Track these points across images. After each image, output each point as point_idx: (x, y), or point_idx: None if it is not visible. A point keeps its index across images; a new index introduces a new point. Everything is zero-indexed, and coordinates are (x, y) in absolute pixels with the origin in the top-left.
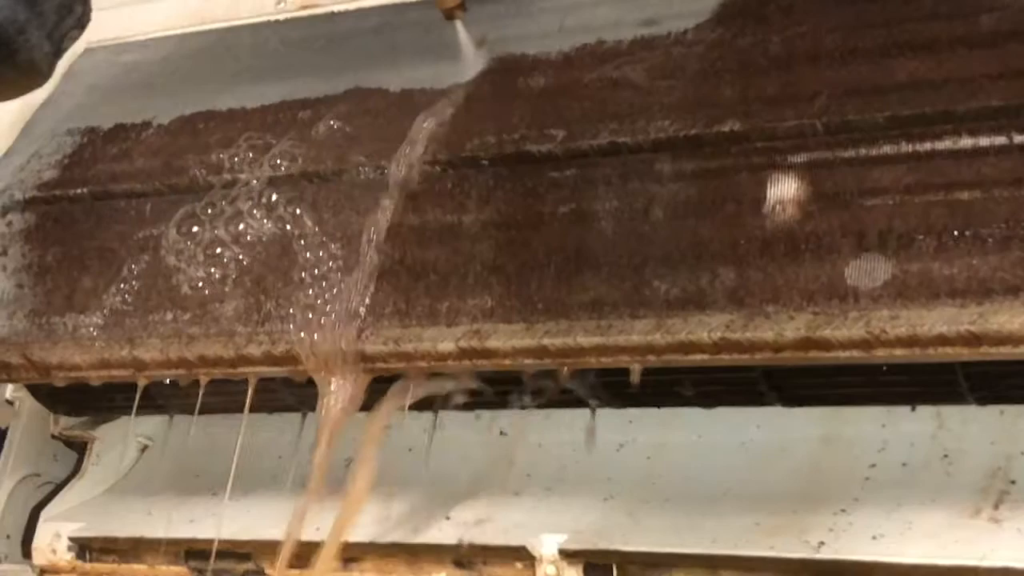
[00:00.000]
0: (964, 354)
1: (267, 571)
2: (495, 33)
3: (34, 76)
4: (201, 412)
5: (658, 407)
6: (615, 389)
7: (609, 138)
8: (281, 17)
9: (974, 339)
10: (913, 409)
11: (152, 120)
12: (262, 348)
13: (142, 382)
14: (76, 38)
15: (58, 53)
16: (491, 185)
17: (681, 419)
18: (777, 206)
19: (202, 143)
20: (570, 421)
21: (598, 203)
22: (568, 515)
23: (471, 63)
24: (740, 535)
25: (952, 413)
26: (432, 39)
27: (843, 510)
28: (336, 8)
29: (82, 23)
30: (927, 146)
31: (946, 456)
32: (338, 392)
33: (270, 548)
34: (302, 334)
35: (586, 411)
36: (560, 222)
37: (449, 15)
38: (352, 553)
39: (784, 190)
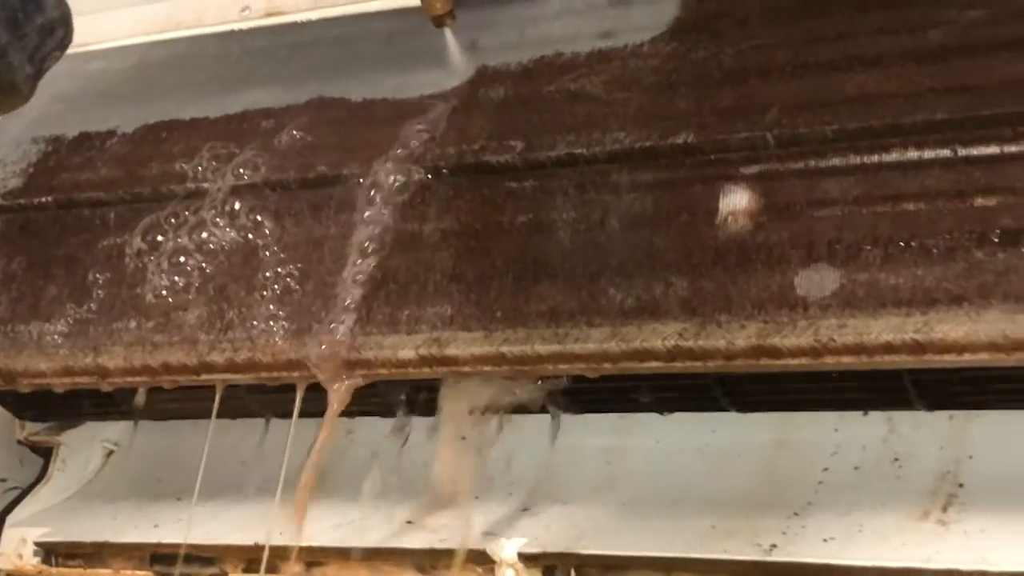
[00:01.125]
0: (909, 362)
1: (231, 575)
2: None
3: (14, 97)
4: (166, 418)
5: (617, 413)
6: (575, 395)
7: (566, 149)
8: (246, 25)
9: (919, 347)
10: (865, 414)
11: (116, 129)
12: (224, 355)
13: (106, 388)
14: (58, 59)
15: (39, 75)
16: (451, 195)
17: (640, 424)
18: (729, 217)
19: (165, 152)
20: (532, 427)
21: (555, 213)
22: (528, 519)
23: (461, 70)
24: (695, 538)
25: (903, 418)
26: (393, 49)
27: (796, 513)
28: (299, 18)
29: (63, 45)
30: (874, 159)
31: (896, 460)
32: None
33: (234, 552)
34: (263, 342)
35: (547, 417)
36: (519, 232)
37: (439, 23)
38: (315, 557)
39: (736, 201)
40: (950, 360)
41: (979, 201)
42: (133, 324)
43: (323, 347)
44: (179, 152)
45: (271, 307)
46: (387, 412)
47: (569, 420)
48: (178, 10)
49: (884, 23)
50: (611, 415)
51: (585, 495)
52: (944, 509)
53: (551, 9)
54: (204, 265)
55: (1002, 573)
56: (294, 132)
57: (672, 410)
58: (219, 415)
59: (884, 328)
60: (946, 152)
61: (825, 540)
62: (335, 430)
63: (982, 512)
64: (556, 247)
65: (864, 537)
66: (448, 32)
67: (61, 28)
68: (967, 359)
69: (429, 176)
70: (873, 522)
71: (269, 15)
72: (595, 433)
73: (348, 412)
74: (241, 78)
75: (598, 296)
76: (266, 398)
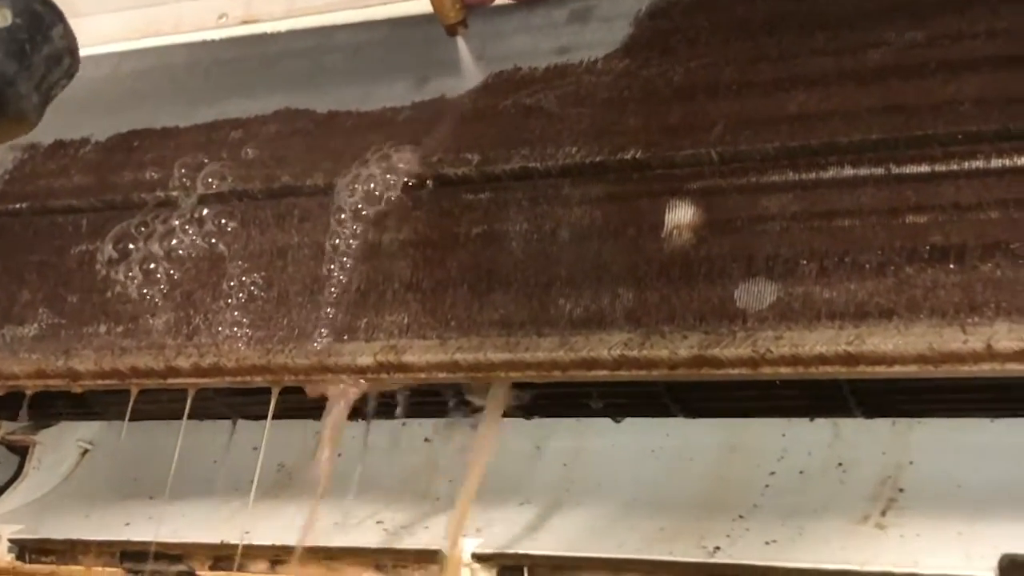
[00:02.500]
0: (843, 372)
1: (198, 572)
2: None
3: (22, 125)
4: (140, 418)
5: (574, 417)
6: (533, 400)
7: (521, 163)
8: (223, 33)
9: (851, 359)
10: (812, 420)
11: (90, 137)
12: (190, 360)
13: (76, 391)
14: (64, 87)
15: (46, 103)
16: (410, 206)
17: (596, 428)
18: (674, 231)
19: (137, 161)
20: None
21: (509, 225)
22: (485, 520)
23: (472, 77)
24: (645, 540)
25: (847, 424)
26: (358, 62)
27: (741, 516)
28: (275, 27)
29: (70, 73)
30: (812, 176)
31: (840, 465)
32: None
33: (201, 550)
34: (228, 348)
35: (505, 420)
36: (474, 243)
37: (451, 31)
38: (277, 555)
39: (681, 216)
40: (881, 371)
41: (910, 218)
42: (103, 329)
43: (285, 352)
44: (150, 161)
45: (235, 314)
46: (352, 415)
47: (527, 424)
48: (157, 17)
49: (826, 43)
50: (570, 420)
51: (542, 497)
52: (883, 513)
53: (511, 26)
54: (172, 272)
55: None
56: (261, 142)
57: (624, 416)
58: (190, 416)
59: (818, 340)
60: (880, 170)
61: (767, 543)
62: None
63: (919, 516)
64: (509, 258)
65: (805, 540)
66: (461, 41)
67: (68, 57)
68: (897, 371)
69: (389, 188)
70: (815, 525)
71: (245, 23)
72: (551, 437)
73: (315, 414)
74: (211, 89)
75: (548, 306)
76: (233, 400)
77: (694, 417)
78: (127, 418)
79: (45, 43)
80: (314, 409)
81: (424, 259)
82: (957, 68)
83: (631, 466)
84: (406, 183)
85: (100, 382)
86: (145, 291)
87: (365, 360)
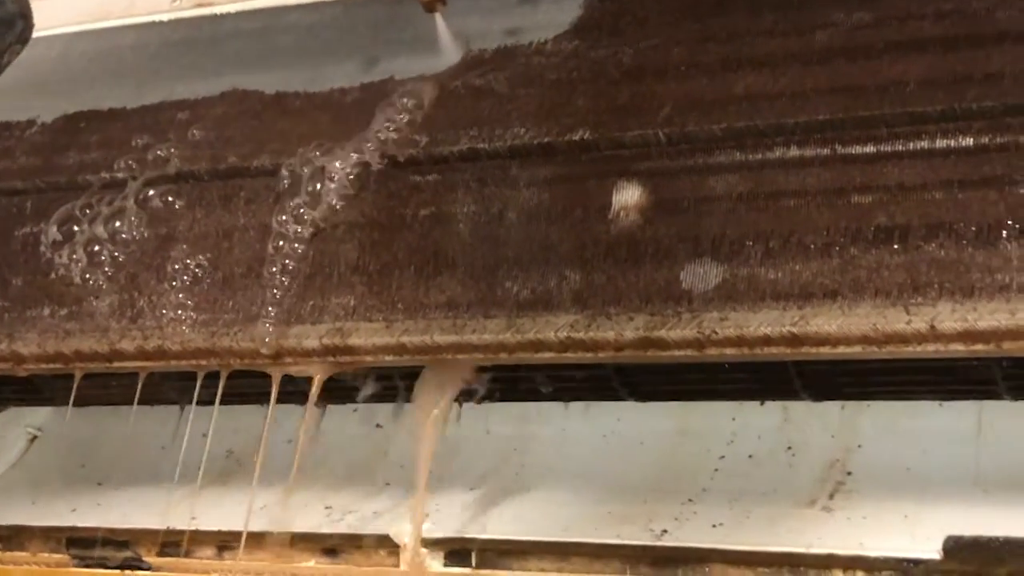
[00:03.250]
0: (787, 354)
1: (145, 558)
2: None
3: None
4: (89, 403)
5: (524, 401)
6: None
7: (468, 144)
8: (175, 16)
9: (795, 340)
10: (762, 404)
11: (37, 119)
12: (135, 343)
13: (21, 374)
14: (18, 52)
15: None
16: (357, 188)
17: (546, 413)
18: (621, 212)
19: (83, 142)
20: None
21: (457, 207)
22: (434, 505)
23: (451, 54)
24: (593, 523)
25: (797, 408)
26: (308, 43)
27: (690, 500)
28: (228, 9)
29: (23, 38)
30: (759, 157)
31: (790, 448)
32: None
33: (149, 536)
34: (172, 331)
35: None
36: (421, 224)
37: (430, 7)
38: (224, 540)
39: (628, 197)
40: (825, 353)
41: (856, 199)
42: (47, 312)
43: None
44: (96, 142)
45: (180, 296)
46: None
47: (478, 409)
48: (109, 1)
49: (774, 24)
50: (521, 404)
51: (492, 482)
52: (831, 496)
53: (462, 6)
54: (117, 254)
55: (877, 558)
56: (208, 124)
57: (573, 399)
58: (140, 402)
59: (763, 321)
60: (826, 151)
61: (714, 526)
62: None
63: (866, 499)
64: (456, 240)
65: (752, 523)
66: (439, 17)
67: (20, 21)
68: (841, 352)
69: (336, 169)
70: (762, 508)
71: (199, 5)
72: (501, 422)
73: (265, 399)
74: (159, 70)
75: (495, 288)
76: (183, 386)
77: (644, 401)
78: (71, 403)
79: None
80: (263, 395)
81: (371, 241)
82: (904, 49)
83: (581, 450)
84: (353, 165)
85: (44, 366)
86: (89, 274)
87: (311, 343)
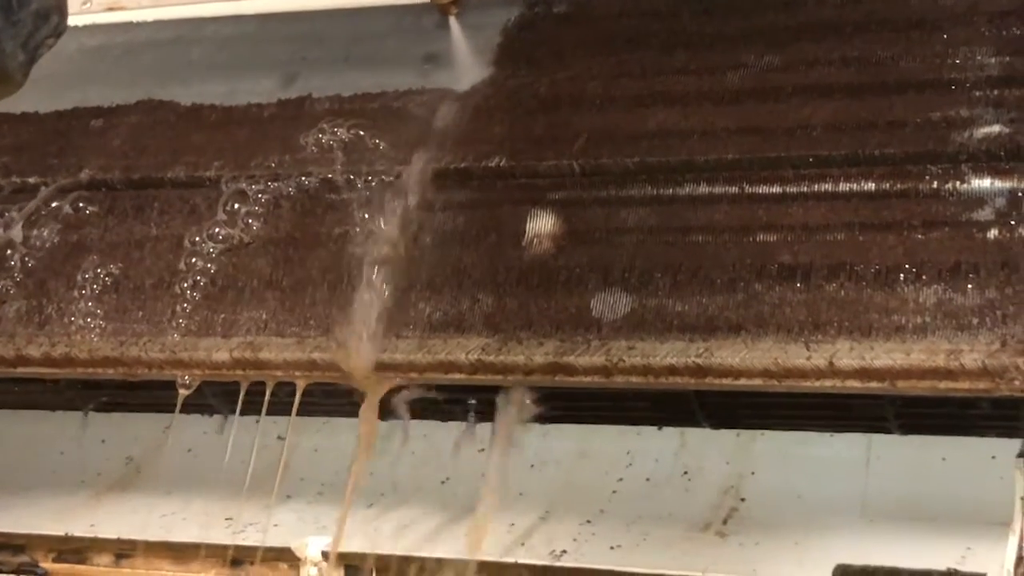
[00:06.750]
0: (692, 383)
1: (41, 564)
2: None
3: (6, 84)
4: None
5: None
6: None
7: (386, 165)
8: (86, 20)
9: (700, 371)
10: (660, 429)
11: None
12: (41, 350)
13: None
14: (51, 46)
15: (32, 61)
16: (272, 204)
17: (449, 431)
18: (535, 239)
19: None
20: (346, 429)
21: (372, 226)
22: (335, 519)
23: (464, 58)
24: (495, 542)
25: (694, 434)
26: (225, 55)
27: (589, 521)
28: (136, 18)
29: (58, 31)
30: (669, 192)
31: (686, 473)
32: None
33: (45, 542)
34: (80, 338)
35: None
36: (336, 242)
37: (445, 11)
38: (123, 549)
39: (541, 225)
40: (728, 384)
41: (761, 236)
42: None
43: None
44: (7, 146)
45: (89, 304)
46: (208, 410)
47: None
48: None
49: (687, 63)
50: (429, 422)
51: (396, 498)
52: (725, 521)
53: (378, 28)
54: (27, 260)
55: None
56: (122, 132)
57: (478, 420)
58: (38, 407)
59: (669, 351)
60: (734, 189)
61: (612, 547)
62: None
63: (759, 526)
64: (370, 259)
65: (648, 545)
66: (453, 21)
67: (55, 15)
68: (743, 384)
69: (252, 184)
70: (658, 531)
71: (110, 9)
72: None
73: (168, 409)
74: (74, 75)
75: (407, 308)
76: (88, 394)
77: (545, 423)
78: None
79: None
80: (166, 405)
81: (285, 257)
82: (811, 93)
83: (481, 468)
84: (270, 181)
85: None
86: None
87: (221, 356)
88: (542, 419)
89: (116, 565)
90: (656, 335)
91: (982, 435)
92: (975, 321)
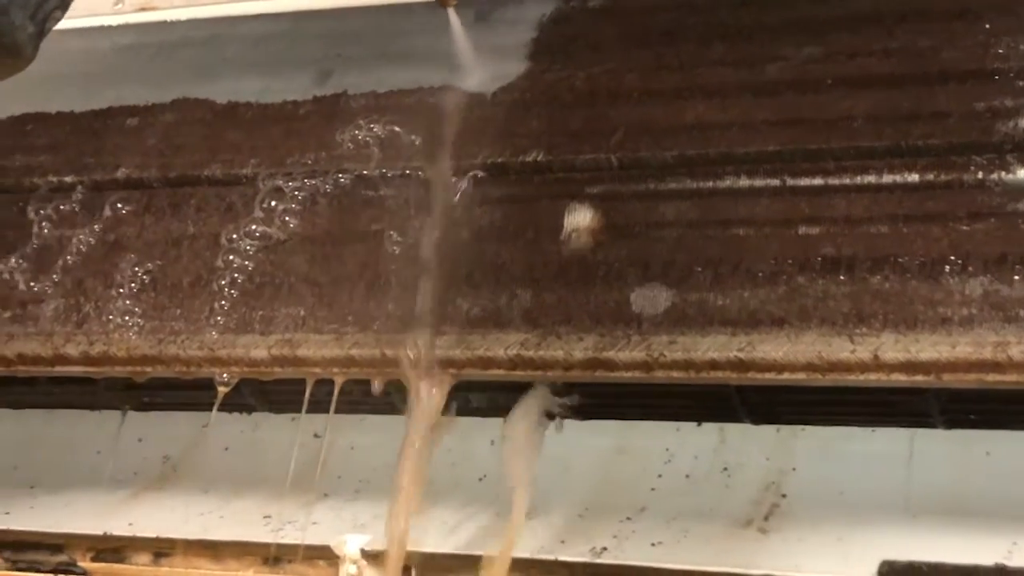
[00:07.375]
0: (733, 378)
1: (80, 563)
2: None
3: (17, 58)
4: (24, 407)
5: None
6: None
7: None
8: (119, 20)
9: (742, 365)
10: (699, 425)
11: None
12: (79, 348)
13: None
14: (59, 19)
15: (41, 34)
16: (309, 200)
17: (483, 427)
18: (573, 234)
19: (29, 145)
20: (382, 426)
21: (410, 223)
22: (373, 517)
23: (465, 50)
24: (535, 540)
25: (733, 430)
26: (259, 53)
27: (629, 518)
28: (171, 15)
29: (65, 3)
30: (709, 185)
31: (726, 469)
32: None
33: (84, 541)
34: (118, 337)
35: (398, 417)
36: (373, 239)
37: (444, 2)
38: (161, 547)
39: (580, 219)
40: (771, 378)
41: (803, 229)
42: None
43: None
44: (43, 146)
45: (127, 303)
46: (246, 408)
47: None
48: None
49: (725, 55)
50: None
51: (431, 495)
52: (766, 518)
53: (414, 25)
54: (65, 258)
55: None
56: (158, 131)
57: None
58: (76, 406)
59: (711, 346)
60: (775, 182)
61: (653, 544)
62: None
63: (801, 522)
64: (408, 256)
65: (689, 542)
66: (451, 12)
67: None
68: (786, 378)
69: (289, 182)
70: (699, 528)
71: (143, 9)
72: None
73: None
74: (109, 74)
75: (446, 304)
76: (125, 394)
77: (584, 419)
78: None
79: None
80: (206, 404)
81: (322, 254)
82: (852, 85)
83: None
84: (305, 178)
85: None
86: (35, 277)
87: (259, 353)
88: (580, 415)
89: (155, 564)
90: (697, 329)
91: None
92: (1022, 313)
